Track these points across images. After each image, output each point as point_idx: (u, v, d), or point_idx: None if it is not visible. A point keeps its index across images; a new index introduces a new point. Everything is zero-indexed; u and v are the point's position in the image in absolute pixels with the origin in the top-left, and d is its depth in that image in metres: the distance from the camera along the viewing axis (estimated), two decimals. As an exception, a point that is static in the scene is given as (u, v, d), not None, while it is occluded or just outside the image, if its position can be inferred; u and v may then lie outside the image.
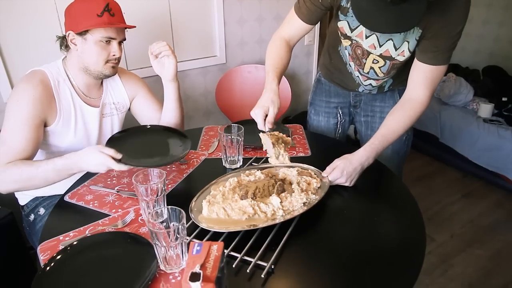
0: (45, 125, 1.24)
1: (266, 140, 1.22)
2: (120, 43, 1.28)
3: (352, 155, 1.17)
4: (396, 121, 1.22)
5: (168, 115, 1.44)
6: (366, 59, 1.33)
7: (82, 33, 1.20)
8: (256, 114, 1.17)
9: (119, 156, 1.09)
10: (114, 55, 1.26)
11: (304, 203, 1.02)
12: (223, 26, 2.31)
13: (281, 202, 1.01)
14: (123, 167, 1.09)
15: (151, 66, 1.35)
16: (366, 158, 1.17)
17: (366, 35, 1.25)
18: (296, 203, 1.02)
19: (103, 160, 1.07)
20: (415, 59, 1.21)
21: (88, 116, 1.35)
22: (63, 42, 1.28)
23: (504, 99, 3.01)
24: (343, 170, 1.14)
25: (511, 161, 2.60)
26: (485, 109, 2.89)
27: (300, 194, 1.04)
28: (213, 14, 2.26)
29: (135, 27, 1.26)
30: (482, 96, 3.11)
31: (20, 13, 1.69)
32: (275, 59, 1.32)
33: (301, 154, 1.40)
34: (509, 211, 2.55)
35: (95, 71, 1.28)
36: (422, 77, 1.20)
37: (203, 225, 0.96)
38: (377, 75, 1.38)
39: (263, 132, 1.20)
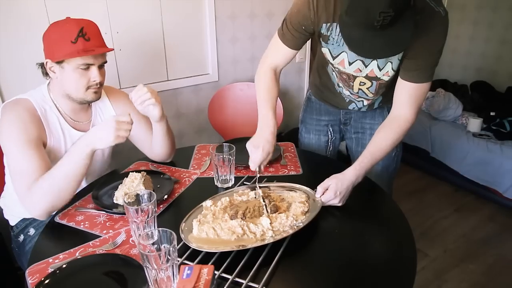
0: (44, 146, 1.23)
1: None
2: (100, 66, 1.24)
3: (342, 175, 1.18)
4: (384, 138, 1.24)
5: (157, 148, 1.43)
6: (353, 82, 1.36)
7: (59, 62, 1.18)
8: (254, 156, 1.20)
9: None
10: (94, 80, 1.22)
11: (291, 226, 1.02)
12: (216, 44, 2.34)
13: (271, 223, 1.01)
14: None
15: (144, 84, 1.32)
16: (356, 177, 1.18)
17: (349, 62, 1.28)
18: (286, 223, 1.02)
19: (111, 122, 1.09)
20: (399, 78, 1.23)
21: None
22: (44, 70, 1.25)
23: (492, 113, 3.06)
24: (336, 191, 1.14)
25: (501, 175, 2.63)
26: (474, 123, 2.94)
27: (290, 216, 1.04)
28: (205, 33, 2.29)
29: (112, 50, 1.23)
30: (471, 111, 3.17)
31: (14, 30, 1.70)
32: (266, 91, 1.31)
33: (293, 173, 1.40)
34: (500, 224, 2.57)
35: (77, 98, 1.26)
36: (407, 96, 1.22)
37: (193, 245, 0.96)
38: (367, 95, 1.40)
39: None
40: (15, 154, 1.14)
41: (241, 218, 1.02)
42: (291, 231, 1.00)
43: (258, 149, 1.18)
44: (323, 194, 1.15)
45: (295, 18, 1.25)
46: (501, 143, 2.72)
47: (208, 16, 2.24)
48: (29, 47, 1.74)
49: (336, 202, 1.15)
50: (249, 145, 1.21)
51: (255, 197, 1.15)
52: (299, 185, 1.23)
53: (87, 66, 1.20)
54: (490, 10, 3.34)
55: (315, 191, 1.17)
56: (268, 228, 1.00)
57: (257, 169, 1.21)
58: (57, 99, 1.29)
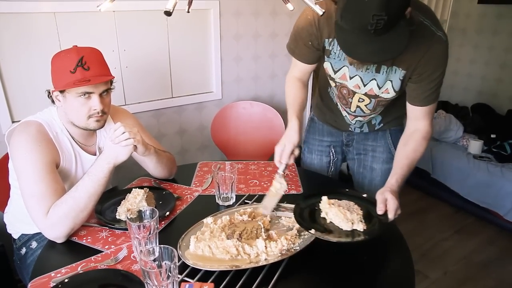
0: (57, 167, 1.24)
1: (276, 188, 1.24)
2: (104, 94, 1.24)
3: (388, 187, 1.18)
4: (413, 150, 1.27)
5: (155, 172, 1.47)
6: (352, 98, 1.38)
7: (61, 91, 1.20)
8: (275, 152, 1.27)
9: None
10: (95, 109, 1.22)
11: (288, 249, 1.03)
12: (220, 63, 2.39)
13: (265, 247, 1.02)
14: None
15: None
16: (399, 189, 1.20)
17: (350, 76, 1.31)
18: (283, 247, 1.03)
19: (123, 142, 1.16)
20: (410, 105, 1.28)
21: (87, 164, 1.33)
22: (50, 97, 1.27)
23: (492, 136, 3.08)
24: (396, 198, 1.13)
25: (502, 197, 2.63)
26: (475, 145, 2.95)
27: (284, 241, 1.05)
28: (210, 52, 2.34)
29: (111, 78, 1.24)
30: (472, 132, 3.19)
31: (25, 46, 1.76)
32: (291, 99, 1.39)
33: (293, 192, 1.42)
34: (501, 248, 2.56)
35: (79, 126, 1.27)
36: (418, 113, 1.28)
37: (189, 262, 0.97)
38: (364, 112, 1.43)
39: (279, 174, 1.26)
40: (31, 177, 1.14)
41: (237, 239, 1.03)
42: (288, 254, 1.00)
43: (280, 146, 1.26)
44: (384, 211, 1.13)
45: (301, 34, 1.30)
46: (502, 165, 2.73)
47: (213, 35, 2.30)
48: (39, 66, 1.79)
49: (399, 211, 1.14)
50: (276, 146, 1.28)
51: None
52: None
53: (88, 95, 1.20)
54: (490, 34, 3.40)
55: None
56: (263, 251, 1.00)
57: (281, 166, 1.25)
58: (65, 124, 1.30)
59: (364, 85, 1.31)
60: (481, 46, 3.49)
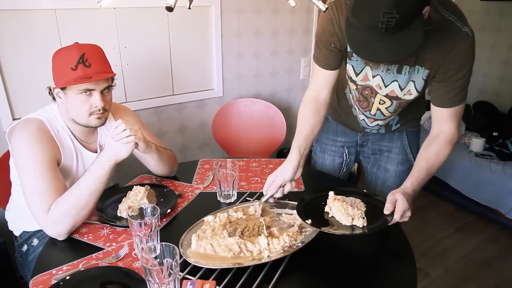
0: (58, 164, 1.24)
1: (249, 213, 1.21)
2: (105, 91, 1.24)
3: (402, 189, 1.14)
4: (435, 154, 1.21)
5: (156, 169, 1.47)
6: (374, 98, 1.33)
7: (62, 88, 1.20)
8: (266, 180, 1.23)
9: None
10: (96, 106, 1.22)
11: (290, 246, 1.03)
12: (221, 60, 2.38)
13: (268, 244, 1.01)
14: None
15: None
16: (414, 192, 1.15)
17: (372, 75, 1.26)
18: (285, 244, 1.02)
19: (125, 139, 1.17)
20: (434, 107, 1.23)
21: (88, 162, 1.34)
22: (52, 94, 1.27)
23: (495, 134, 3.07)
24: (407, 200, 1.08)
25: (504, 195, 2.62)
26: (477, 143, 2.95)
27: (286, 237, 1.04)
28: (211, 49, 2.33)
29: (113, 75, 1.24)
30: (474, 130, 3.18)
31: (25, 43, 1.75)
32: (299, 126, 1.33)
33: (295, 189, 1.41)
34: (503, 246, 2.55)
35: (81, 123, 1.27)
36: (444, 116, 1.22)
37: (191, 260, 0.97)
38: (384, 115, 1.38)
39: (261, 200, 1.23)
40: (32, 174, 1.14)
41: (239, 236, 1.03)
42: (290, 251, 1.00)
43: (271, 177, 1.23)
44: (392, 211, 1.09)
45: (323, 36, 1.25)
46: (504, 163, 2.72)
47: (214, 32, 2.29)
48: (40, 63, 1.79)
49: (409, 214, 1.10)
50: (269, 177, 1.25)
51: (254, 213, 1.18)
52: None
53: (89, 92, 1.20)
54: (494, 32, 3.39)
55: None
56: (265, 248, 1.00)
57: (265, 196, 1.22)
58: (66, 121, 1.30)
59: (385, 86, 1.26)
60: (484, 44, 3.47)
